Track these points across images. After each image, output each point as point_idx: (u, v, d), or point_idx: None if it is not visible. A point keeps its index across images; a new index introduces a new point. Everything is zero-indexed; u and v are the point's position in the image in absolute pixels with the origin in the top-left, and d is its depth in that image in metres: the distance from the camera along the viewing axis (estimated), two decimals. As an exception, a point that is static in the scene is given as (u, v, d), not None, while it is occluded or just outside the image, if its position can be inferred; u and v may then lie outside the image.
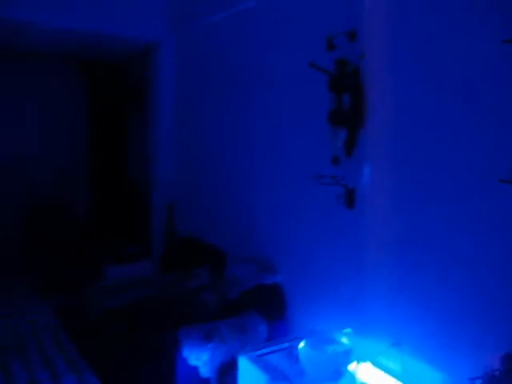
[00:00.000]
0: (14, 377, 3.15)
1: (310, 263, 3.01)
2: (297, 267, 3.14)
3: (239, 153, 3.78)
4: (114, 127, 6.24)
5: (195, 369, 2.85)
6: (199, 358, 2.85)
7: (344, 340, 2.41)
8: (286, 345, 2.77)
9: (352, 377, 2.38)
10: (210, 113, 4.21)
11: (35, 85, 5.81)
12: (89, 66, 6.03)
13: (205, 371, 2.87)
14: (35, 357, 3.43)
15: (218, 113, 4.07)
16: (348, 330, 2.46)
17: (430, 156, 2.23)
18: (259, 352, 2.73)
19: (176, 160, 4.81)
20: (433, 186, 2.23)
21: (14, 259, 5.60)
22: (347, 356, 2.37)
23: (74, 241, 5.45)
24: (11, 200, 5.70)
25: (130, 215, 5.79)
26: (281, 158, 3.27)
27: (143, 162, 5.42)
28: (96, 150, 6.21)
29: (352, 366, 2.38)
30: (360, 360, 2.43)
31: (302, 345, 2.41)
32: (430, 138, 2.21)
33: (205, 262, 3.87)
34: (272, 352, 2.74)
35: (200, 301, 3.42)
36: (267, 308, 3.20)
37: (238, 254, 3.67)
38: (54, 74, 5.91)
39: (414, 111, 2.28)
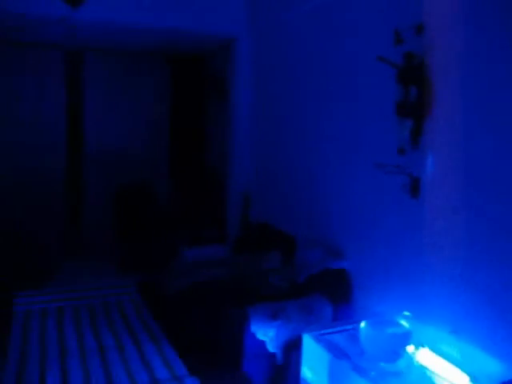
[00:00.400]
0: (101, 336, 3.54)
1: (375, 249, 3.10)
2: (363, 253, 3.25)
3: (309, 143, 3.93)
4: (195, 116, 6.58)
5: (262, 343, 3.06)
6: (266, 334, 3.04)
7: (403, 323, 2.50)
8: (350, 327, 2.90)
9: (410, 359, 2.48)
10: (284, 105, 4.38)
11: (126, 79, 6.28)
12: (173, 59, 6.40)
13: (271, 347, 3.07)
14: (120, 324, 3.80)
15: (290, 105, 4.24)
16: (407, 314, 2.55)
17: (495, 147, 2.25)
18: (323, 332, 2.88)
19: (252, 151, 5.03)
20: (498, 177, 2.25)
21: (104, 239, 6.16)
22: (406, 338, 2.46)
23: (156, 223, 5.87)
24: (103, 184, 6.22)
25: (208, 201, 6.10)
26: (348, 147, 3.38)
27: (222, 151, 5.69)
28: (177, 138, 6.59)
29: (410, 349, 2.47)
30: (419, 345, 2.52)
31: (362, 324, 2.53)
32: (496, 131, 2.24)
33: (276, 247, 4.06)
34: (335, 332, 2.89)
35: (269, 282, 3.62)
36: (333, 291, 3.33)
37: (307, 240, 3.83)
38: (142, 67, 6.34)
39: (481, 102, 2.31)
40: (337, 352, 2.66)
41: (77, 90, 6.08)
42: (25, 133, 5.84)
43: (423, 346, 2.54)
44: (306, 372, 2.89)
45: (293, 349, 3.05)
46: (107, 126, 6.25)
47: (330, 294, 3.31)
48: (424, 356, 2.51)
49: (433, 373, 2.43)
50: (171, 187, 6.59)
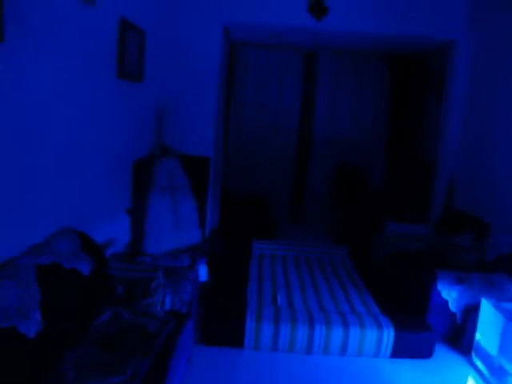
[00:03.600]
0: (315, 278, 4.61)
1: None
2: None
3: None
4: (411, 110, 7.18)
5: (446, 302, 3.68)
6: (449, 294, 3.66)
7: None
8: (527, 302, 3.33)
9: None
10: (496, 103, 4.75)
11: (351, 75, 7.25)
12: (393, 59, 7.11)
13: (453, 306, 3.67)
14: (330, 274, 4.78)
15: (502, 103, 4.62)
16: None
17: None
18: (501, 300, 3.38)
19: (461, 142, 5.46)
20: None
21: (322, 211, 7.37)
22: None
23: (367, 200, 6.71)
24: (326, 164, 7.34)
25: (416, 185, 6.66)
26: None
27: (433, 142, 6.19)
28: (394, 128, 7.30)
29: None
30: None
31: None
32: None
33: (471, 229, 4.52)
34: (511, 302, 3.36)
35: (461, 258, 4.16)
36: (519, 273, 3.76)
37: (501, 225, 4.24)
38: (364, 66, 7.21)
39: None
40: (510, 316, 3.15)
41: (311, 84, 7.25)
42: (269, 117, 7.26)
43: None
44: (479, 335, 3.44)
45: (472, 312, 3.61)
46: (334, 114, 7.30)
47: (515, 275, 3.75)
48: None
49: None
50: (385, 171, 7.37)
